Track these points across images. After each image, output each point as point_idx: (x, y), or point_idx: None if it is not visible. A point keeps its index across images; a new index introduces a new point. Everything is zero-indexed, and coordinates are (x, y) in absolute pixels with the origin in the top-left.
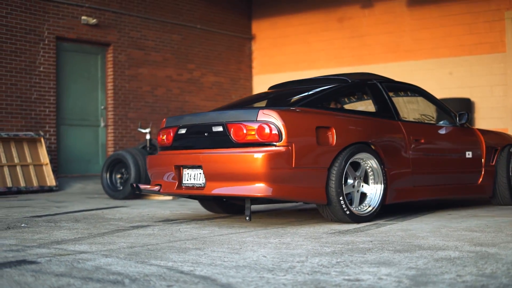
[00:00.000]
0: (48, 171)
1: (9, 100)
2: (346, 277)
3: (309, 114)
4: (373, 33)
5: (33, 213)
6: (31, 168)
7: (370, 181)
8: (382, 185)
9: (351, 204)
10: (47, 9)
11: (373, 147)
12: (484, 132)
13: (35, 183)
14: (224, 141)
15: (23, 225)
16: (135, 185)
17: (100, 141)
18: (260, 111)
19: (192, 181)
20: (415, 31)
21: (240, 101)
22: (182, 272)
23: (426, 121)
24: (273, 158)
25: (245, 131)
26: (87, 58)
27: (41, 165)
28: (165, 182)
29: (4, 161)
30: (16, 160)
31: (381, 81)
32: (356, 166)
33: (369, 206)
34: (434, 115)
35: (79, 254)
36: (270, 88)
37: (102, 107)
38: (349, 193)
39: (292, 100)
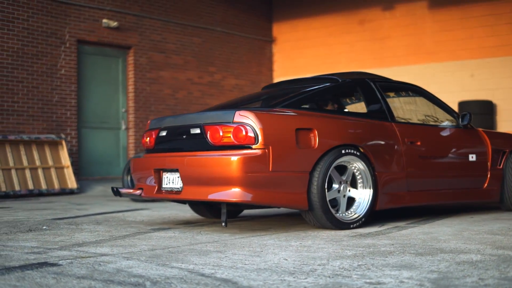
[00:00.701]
0: (69, 173)
1: (30, 103)
2: (368, 280)
3: (289, 115)
4: (394, 35)
5: (54, 216)
6: (53, 171)
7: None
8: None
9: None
10: (68, 12)
11: (361, 149)
12: (490, 133)
13: (56, 185)
14: (201, 143)
15: (44, 227)
16: (115, 189)
17: (121, 144)
18: (237, 113)
19: (171, 185)
20: (436, 33)
21: (231, 102)
22: (203, 275)
23: (425, 123)
24: (248, 161)
25: (221, 133)
26: (108, 61)
27: (63, 167)
28: (146, 185)
29: (25, 163)
30: (37, 163)
31: (376, 80)
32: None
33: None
34: (439, 116)
35: (100, 257)
36: (263, 88)
37: (123, 110)
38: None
39: (276, 101)
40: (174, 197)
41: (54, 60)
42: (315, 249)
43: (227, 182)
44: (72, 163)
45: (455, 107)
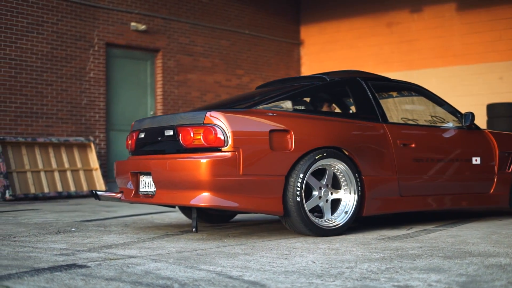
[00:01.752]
0: (98, 176)
1: (59, 105)
2: (396, 284)
3: (263, 116)
4: (422, 38)
5: (83, 218)
6: (81, 173)
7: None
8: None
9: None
10: (97, 15)
11: (346, 152)
12: (498, 135)
13: (85, 188)
14: (174, 146)
15: (73, 229)
16: (94, 192)
17: None
18: (207, 114)
19: (146, 189)
20: (464, 35)
21: (219, 103)
22: (231, 277)
23: (422, 123)
24: (217, 165)
25: (192, 135)
26: (136, 64)
27: (91, 170)
28: (126, 189)
29: (54, 166)
30: (66, 165)
31: (369, 79)
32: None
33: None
34: (441, 116)
35: (129, 259)
36: (257, 87)
37: (151, 113)
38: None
39: (255, 101)
40: (148, 201)
41: (83, 63)
42: (343, 252)
43: (196, 186)
44: (101, 166)
45: (483, 110)
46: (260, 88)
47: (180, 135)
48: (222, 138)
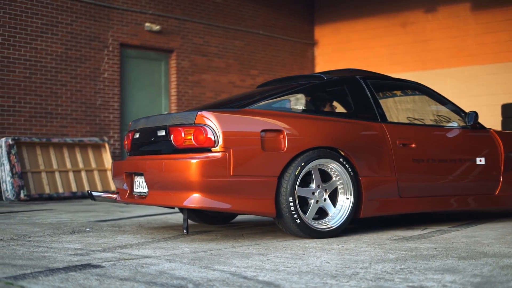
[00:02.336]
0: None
1: (74, 106)
2: (410, 284)
3: (255, 116)
4: (436, 37)
5: (97, 218)
6: (96, 173)
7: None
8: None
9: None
10: (111, 16)
11: (342, 152)
12: (504, 134)
13: (99, 188)
14: (166, 146)
15: (87, 229)
16: (89, 192)
17: None
18: (198, 114)
19: (140, 190)
20: (479, 35)
21: (217, 102)
22: (245, 277)
23: (424, 123)
24: (206, 165)
25: (183, 135)
26: (150, 64)
27: (105, 170)
28: (122, 189)
29: (69, 166)
30: (81, 165)
31: (368, 78)
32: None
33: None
34: (444, 116)
35: (143, 259)
36: (258, 86)
37: (166, 113)
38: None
39: (249, 101)
40: (141, 202)
41: (97, 64)
42: (357, 252)
43: (186, 187)
44: None
45: (498, 110)
46: (260, 88)
47: (172, 135)
48: (213, 138)
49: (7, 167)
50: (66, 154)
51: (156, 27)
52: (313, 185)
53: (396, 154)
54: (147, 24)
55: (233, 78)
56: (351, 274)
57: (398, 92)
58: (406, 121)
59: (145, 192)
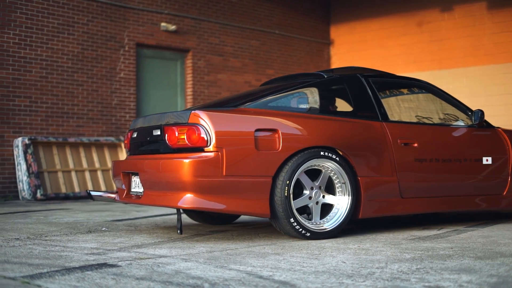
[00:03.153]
0: None
1: (90, 106)
2: (426, 284)
3: (249, 115)
4: (452, 37)
5: (113, 217)
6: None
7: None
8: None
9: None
10: (127, 16)
11: (340, 152)
12: None
13: (115, 187)
14: (161, 145)
15: (104, 228)
16: (88, 192)
17: None
18: (192, 113)
19: (136, 189)
20: (495, 34)
21: (217, 101)
22: (261, 277)
23: (427, 122)
24: (199, 165)
25: (177, 135)
26: (166, 64)
27: None
28: (120, 189)
29: (85, 166)
30: (97, 165)
31: (370, 76)
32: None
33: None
34: (450, 114)
35: (159, 258)
36: (261, 85)
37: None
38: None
39: (245, 99)
40: (137, 201)
41: (113, 64)
42: (373, 252)
43: (179, 187)
44: None
45: None
46: (263, 86)
47: (166, 135)
48: (205, 138)
49: (24, 166)
50: (82, 154)
51: (172, 27)
52: (307, 191)
53: (398, 154)
54: (163, 24)
55: (249, 78)
56: (367, 274)
57: (405, 90)
58: (410, 120)
59: (141, 192)
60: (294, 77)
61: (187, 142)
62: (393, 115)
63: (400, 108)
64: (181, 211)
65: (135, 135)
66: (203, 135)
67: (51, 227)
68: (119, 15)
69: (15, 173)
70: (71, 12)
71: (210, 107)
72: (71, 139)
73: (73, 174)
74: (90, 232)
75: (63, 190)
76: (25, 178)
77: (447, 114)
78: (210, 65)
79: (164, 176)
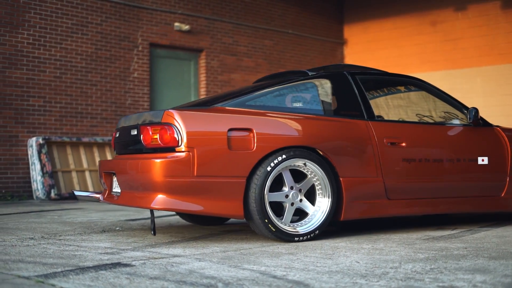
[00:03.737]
0: None
1: (104, 105)
2: (440, 284)
3: (222, 114)
4: (466, 36)
5: (127, 217)
6: None
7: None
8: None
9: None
10: (140, 16)
11: (320, 152)
12: (511, 132)
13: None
14: (138, 145)
15: (117, 228)
16: (72, 192)
17: None
18: (165, 112)
19: (116, 189)
20: (509, 33)
21: (200, 100)
22: (275, 276)
23: (417, 120)
24: (169, 165)
25: (151, 134)
26: (180, 64)
27: None
28: (104, 189)
29: None
30: None
31: (357, 74)
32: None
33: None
34: (445, 113)
35: (173, 258)
36: (254, 82)
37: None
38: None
39: (224, 99)
40: (115, 202)
41: (127, 64)
42: (387, 252)
43: (151, 188)
44: None
45: None
46: (254, 83)
47: (142, 134)
48: (177, 137)
49: (38, 166)
50: (96, 154)
51: (186, 27)
52: (286, 188)
53: (383, 154)
54: (176, 24)
55: None
56: (381, 274)
57: (402, 88)
58: (400, 118)
59: (118, 192)
60: (282, 75)
61: (159, 142)
62: (382, 114)
63: (390, 106)
64: (154, 212)
65: (117, 135)
66: (175, 134)
67: (65, 226)
68: (132, 15)
69: (29, 173)
70: (85, 12)
71: (190, 106)
72: (85, 139)
73: (87, 173)
74: (104, 231)
75: (77, 189)
76: (39, 177)
77: (446, 112)
78: (223, 65)
79: (137, 176)
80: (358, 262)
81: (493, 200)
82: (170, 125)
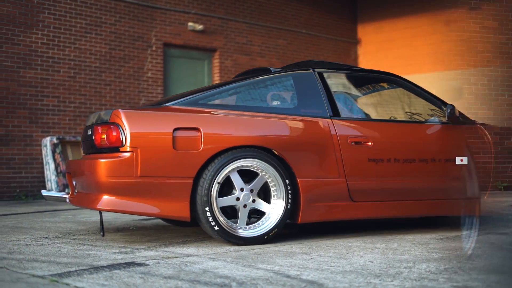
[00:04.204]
0: None
1: (118, 105)
2: (455, 284)
3: (168, 113)
4: (480, 36)
5: (141, 217)
6: None
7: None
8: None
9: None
10: (154, 16)
11: (275, 152)
12: (495, 129)
13: None
14: (92, 145)
15: (131, 228)
16: (41, 192)
17: None
18: (113, 112)
19: (77, 190)
20: None
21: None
22: (288, 276)
23: (388, 119)
24: (112, 166)
25: (100, 134)
26: (193, 64)
27: None
28: (72, 189)
29: None
30: None
31: (324, 71)
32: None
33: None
34: (423, 110)
35: (187, 257)
36: (235, 76)
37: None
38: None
39: (178, 98)
40: (71, 202)
41: (140, 63)
42: (401, 252)
43: (96, 188)
44: None
45: None
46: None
47: (94, 134)
48: (121, 137)
49: (52, 166)
50: None
51: (199, 27)
52: (236, 191)
53: (347, 153)
54: (190, 24)
55: None
56: (395, 274)
57: (385, 85)
58: (367, 116)
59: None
60: (248, 73)
61: (106, 142)
62: (350, 112)
63: (362, 104)
64: (102, 213)
65: (84, 135)
66: (120, 134)
67: (79, 226)
68: (146, 15)
69: (43, 172)
70: (99, 12)
71: (147, 106)
72: None
73: None
74: (118, 231)
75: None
76: (53, 177)
77: (432, 110)
78: (237, 64)
79: (86, 177)
80: (372, 262)
81: (473, 204)
82: (116, 124)
